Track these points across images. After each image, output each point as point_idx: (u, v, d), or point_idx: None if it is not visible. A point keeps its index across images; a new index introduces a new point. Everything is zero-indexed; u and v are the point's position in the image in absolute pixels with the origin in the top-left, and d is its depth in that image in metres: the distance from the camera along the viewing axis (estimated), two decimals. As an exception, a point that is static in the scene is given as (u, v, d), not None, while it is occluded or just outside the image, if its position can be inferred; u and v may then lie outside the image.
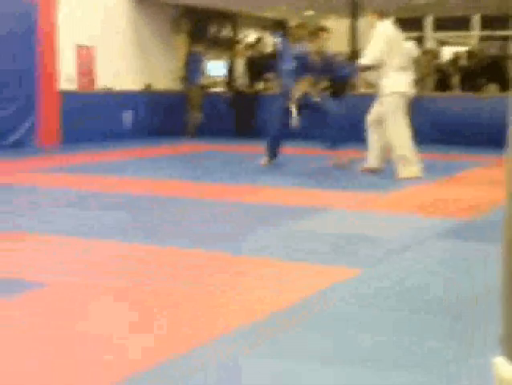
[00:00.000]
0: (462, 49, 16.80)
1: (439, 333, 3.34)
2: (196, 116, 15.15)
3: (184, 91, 15.25)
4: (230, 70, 15.66)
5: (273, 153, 9.85)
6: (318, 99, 9.57)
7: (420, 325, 3.46)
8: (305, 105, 9.49)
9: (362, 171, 9.25)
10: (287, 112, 9.45)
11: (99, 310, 3.69)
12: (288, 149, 10.40)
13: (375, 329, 3.39)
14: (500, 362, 1.86)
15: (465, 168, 9.93)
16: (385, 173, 9.01)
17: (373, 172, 9.17)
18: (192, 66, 15.18)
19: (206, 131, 15.05)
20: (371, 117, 9.19)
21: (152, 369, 2.87)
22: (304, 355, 3.02)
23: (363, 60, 9.00)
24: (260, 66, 15.44)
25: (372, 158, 9.25)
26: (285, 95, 9.59)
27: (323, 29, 10.00)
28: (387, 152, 9.12)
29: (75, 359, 2.98)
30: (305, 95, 9.49)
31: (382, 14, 9.05)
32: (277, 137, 9.82)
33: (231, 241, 5.34)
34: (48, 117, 12.68)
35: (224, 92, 15.68)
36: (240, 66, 15.58)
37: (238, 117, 15.10)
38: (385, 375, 2.82)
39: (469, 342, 3.20)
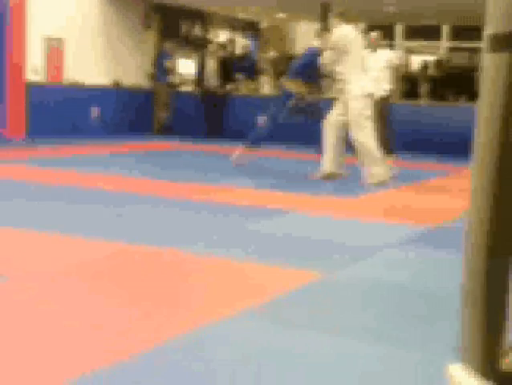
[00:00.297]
0: (431, 58, 16.94)
1: (400, 339, 3.36)
2: (162, 114, 15.13)
3: (151, 88, 15.22)
4: (201, 70, 15.64)
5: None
6: (313, 102, 9.55)
7: (380, 331, 3.47)
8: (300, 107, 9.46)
9: (318, 177, 9.04)
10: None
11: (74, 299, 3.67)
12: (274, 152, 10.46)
13: (332, 332, 3.40)
14: (456, 369, 1.88)
15: (433, 177, 10.00)
16: (351, 178, 9.03)
17: (330, 178, 9.02)
18: (160, 64, 15.15)
19: (176, 129, 15.04)
20: (330, 121, 9.04)
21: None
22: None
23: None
24: (231, 67, 15.46)
25: (328, 162, 9.08)
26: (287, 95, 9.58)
27: (327, 29, 9.91)
28: (345, 157, 9.09)
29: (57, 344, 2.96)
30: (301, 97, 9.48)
31: (342, 18, 9.07)
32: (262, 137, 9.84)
33: (192, 239, 5.32)
34: (15, 108, 12.57)
35: (194, 91, 15.67)
36: (211, 66, 15.58)
37: (207, 117, 15.09)
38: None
39: (429, 349, 3.22)
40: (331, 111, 9.03)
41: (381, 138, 9.25)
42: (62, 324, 3.30)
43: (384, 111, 10.30)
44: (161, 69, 15.12)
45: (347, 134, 8.92)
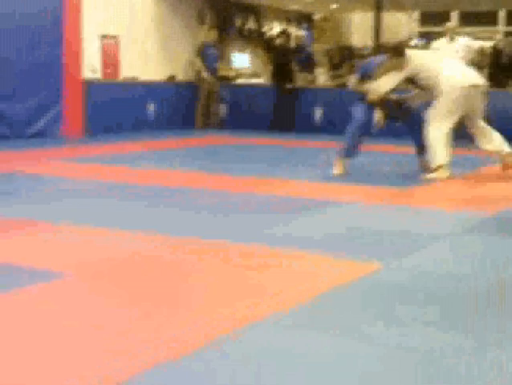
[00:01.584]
0: (488, 44, 16.69)
1: (461, 326, 3.33)
2: (212, 108, 15.01)
3: (195, 81, 15.06)
4: (277, 64, 15.37)
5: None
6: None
7: (444, 317, 3.45)
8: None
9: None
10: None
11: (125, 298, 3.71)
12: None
13: (400, 321, 3.38)
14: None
15: (491, 163, 9.85)
16: (408, 168, 8.96)
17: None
18: (205, 57, 15.02)
19: (232, 123, 14.92)
20: None
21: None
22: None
23: None
24: (286, 58, 15.34)
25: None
26: None
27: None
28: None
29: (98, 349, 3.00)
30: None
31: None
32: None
33: (253, 232, 5.34)
34: (73, 107, 12.73)
35: (251, 84, 15.59)
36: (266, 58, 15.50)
37: (278, 110, 14.79)
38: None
39: (490, 336, 3.19)
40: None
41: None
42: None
43: None
44: (206, 62, 14.98)
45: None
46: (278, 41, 16.36)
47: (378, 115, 8.53)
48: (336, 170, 8.56)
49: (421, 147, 8.64)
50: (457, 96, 8.31)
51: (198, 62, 14.94)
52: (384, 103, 8.57)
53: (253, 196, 6.93)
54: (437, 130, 8.30)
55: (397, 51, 8.52)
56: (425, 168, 8.52)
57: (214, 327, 3.29)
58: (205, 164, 9.61)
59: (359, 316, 3.49)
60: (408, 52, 8.57)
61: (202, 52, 15.02)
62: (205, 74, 14.87)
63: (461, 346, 3.10)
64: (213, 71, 15.00)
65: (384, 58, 8.74)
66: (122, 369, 2.81)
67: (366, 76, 8.62)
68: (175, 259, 4.54)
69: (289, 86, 14.64)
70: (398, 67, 8.40)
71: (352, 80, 8.67)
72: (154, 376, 2.78)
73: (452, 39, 10.62)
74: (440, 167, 8.22)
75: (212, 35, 15.55)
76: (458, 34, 10.95)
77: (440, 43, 10.69)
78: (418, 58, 8.57)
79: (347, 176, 8.32)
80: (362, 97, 8.66)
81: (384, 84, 8.44)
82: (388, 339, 3.17)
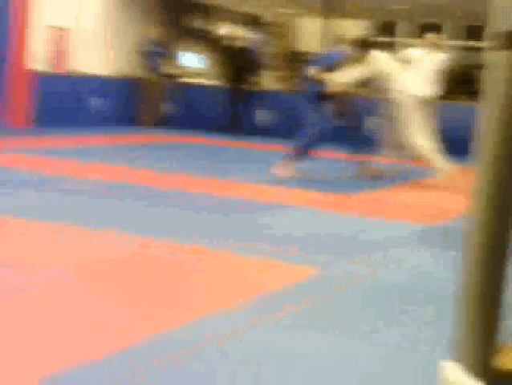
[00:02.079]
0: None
1: (400, 339, 3.38)
2: (156, 106, 14.89)
3: (137, 78, 14.92)
4: (224, 63, 15.32)
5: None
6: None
7: (378, 331, 3.49)
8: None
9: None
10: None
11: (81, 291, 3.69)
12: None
13: (330, 330, 3.42)
14: (449, 365, 1.89)
15: (434, 175, 9.98)
16: (346, 175, 9.04)
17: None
18: (148, 55, 14.90)
19: (179, 122, 14.87)
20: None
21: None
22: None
23: None
24: (234, 60, 15.32)
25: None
26: None
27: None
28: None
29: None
30: None
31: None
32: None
33: (196, 233, 5.34)
34: (18, 98, 12.56)
35: (203, 84, 15.55)
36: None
37: (230, 111, 14.75)
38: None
39: (430, 349, 3.24)
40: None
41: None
42: (61, 324, 3.31)
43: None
44: (152, 59, 14.87)
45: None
46: (226, 42, 16.35)
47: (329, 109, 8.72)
48: (284, 173, 8.62)
49: (358, 153, 8.78)
50: (413, 105, 8.76)
51: (140, 60, 14.83)
52: (341, 97, 8.69)
53: (196, 197, 6.92)
54: (423, 140, 8.73)
55: (363, 46, 8.73)
56: (364, 175, 8.67)
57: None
58: (143, 161, 9.54)
59: (293, 317, 3.51)
60: (374, 51, 8.73)
61: (146, 49, 14.91)
62: (145, 72, 14.75)
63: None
64: (156, 69, 14.89)
65: (344, 51, 8.97)
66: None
67: (327, 68, 8.73)
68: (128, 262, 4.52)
69: (242, 87, 14.63)
70: (361, 62, 8.57)
71: (312, 71, 8.69)
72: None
73: (430, 51, 10.72)
74: (444, 170, 8.75)
75: (159, 33, 15.48)
76: (439, 46, 11.10)
77: (415, 52, 10.73)
78: (382, 60, 8.85)
79: (293, 181, 8.37)
80: (315, 98, 8.73)
81: (346, 76, 8.65)
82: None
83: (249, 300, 3.78)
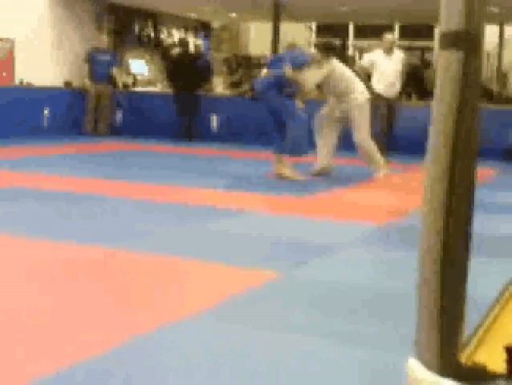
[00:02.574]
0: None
1: (351, 337, 3.39)
2: (92, 114, 14.78)
3: (81, 87, 14.81)
4: (171, 69, 15.29)
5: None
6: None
7: (331, 330, 3.50)
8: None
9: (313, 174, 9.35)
10: None
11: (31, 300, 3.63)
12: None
13: (290, 329, 3.41)
14: (413, 363, 1.90)
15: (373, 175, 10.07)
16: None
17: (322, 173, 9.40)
18: (95, 63, 14.78)
19: (129, 130, 14.84)
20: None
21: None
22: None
23: None
24: (184, 67, 15.32)
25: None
26: None
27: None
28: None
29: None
30: None
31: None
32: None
33: (148, 238, 5.31)
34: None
35: (159, 92, 15.51)
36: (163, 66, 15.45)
37: (178, 118, 14.72)
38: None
39: (378, 347, 3.26)
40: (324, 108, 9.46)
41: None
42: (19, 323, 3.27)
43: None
44: (98, 68, 14.76)
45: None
46: (176, 50, 16.32)
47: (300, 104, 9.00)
48: (286, 172, 9.00)
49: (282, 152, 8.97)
50: (367, 106, 9.21)
51: (90, 68, 14.71)
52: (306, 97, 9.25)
53: (151, 204, 6.89)
54: (369, 139, 9.23)
55: (326, 50, 9.19)
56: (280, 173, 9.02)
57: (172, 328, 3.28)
58: (97, 170, 9.47)
59: (256, 323, 3.51)
60: (333, 55, 9.27)
61: (91, 58, 14.78)
62: (87, 81, 14.62)
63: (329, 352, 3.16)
64: (104, 78, 14.77)
65: (306, 53, 9.58)
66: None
67: (297, 68, 8.95)
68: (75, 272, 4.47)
69: (193, 93, 14.60)
70: (319, 64, 8.90)
71: (288, 69, 8.82)
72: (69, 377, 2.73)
73: (389, 52, 10.89)
74: (382, 165, 9.29)
75: (106, 41, 15.40)
76: (396, 46, 11.35)
77: (376, 55, 10.92)
78: (338, 64, 9.29)
79: (248, 185, 8.41)
80: (290, 94, 8.99)
81: (312, 78, 9.01)
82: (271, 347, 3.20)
83: (206, 302, 3.77)
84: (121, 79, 15.42)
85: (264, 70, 9.34)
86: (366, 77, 10.60)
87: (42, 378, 2.73)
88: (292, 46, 10.18)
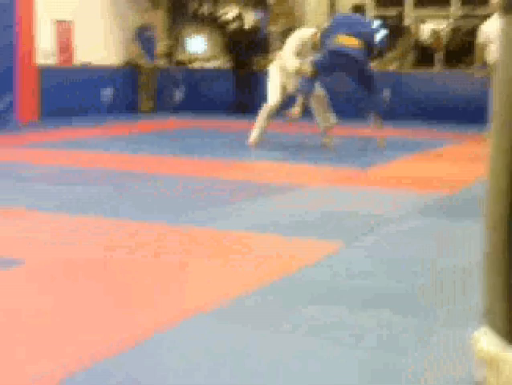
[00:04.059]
0: (442, 26, 16.80)
1: (419, 307, 3.37)
2: (148, 91, 14.85)
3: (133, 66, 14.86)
4: (231, 45, 15.30)
5: None
6: None
7: (402, 298, 3.48)
8: None
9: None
10: None
11: (77, 285, 3.69)
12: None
13: (354, 302, 3.41)
14: (482, 334, 1.88)
15: (446, 145, 9.96)
16: (364, 150, 9.04)
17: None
18: (143, 41, 14.84)
19: (190, 107, 14.89)
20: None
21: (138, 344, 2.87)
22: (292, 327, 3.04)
23: None
24: (242, 42, 15.30)
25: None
26: None
27: None
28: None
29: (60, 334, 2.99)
30: None
31: None
32: None
33: (213, 216, 5.34)
34: (27, 93, 12.59)
35: (216, 68, 15.53)
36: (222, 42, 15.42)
37: (238, 93, 14.77)
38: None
39: (450, 315, 3.24)
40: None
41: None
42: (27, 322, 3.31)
43: None
44: (146, 45, 14.81)
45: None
46: (233, 25, 16.29)
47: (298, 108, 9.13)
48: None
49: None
50: (274, 73, 9.50)
51: (135, 47, 14.78)
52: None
53: (215, 181, 6.93)
54: (268, 106, 9.45)
55: None
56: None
57: (199, 302, 3.31)
58: (165, 148, 9.56)
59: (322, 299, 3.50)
60: None
61: (139, 36, 14.84)
62: (141, 59, 14.69)
63: (413, 328, 3.14)
64: (151, 55, 14.81)
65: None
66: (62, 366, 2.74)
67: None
68: (136, 246, 4.52)
69: (247, 69, 14.60)
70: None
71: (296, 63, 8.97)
72: (93, 375, 2.66)
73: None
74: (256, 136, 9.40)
75: (163, 18, 15.44)
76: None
77: (489, 26, 10.30)
78: None
79: (304, 158, 8.41)
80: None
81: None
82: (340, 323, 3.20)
83: (280, 277, 3.78)
84: (176, 55, 15.46)
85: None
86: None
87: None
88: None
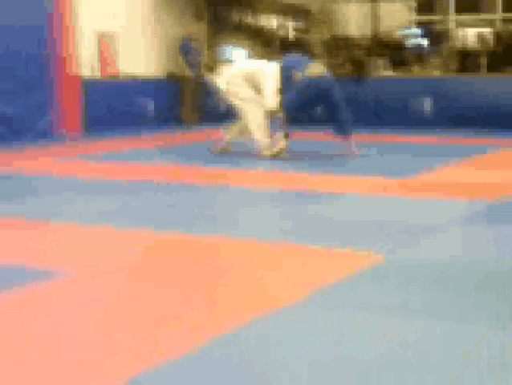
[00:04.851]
0: (486, 30, 16.64)
1: (481, 314, 3.32)
2: (193, 103, 14.87)
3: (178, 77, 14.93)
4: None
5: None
6: None
7: (458, 308, 3.43)
8: None
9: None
10: None
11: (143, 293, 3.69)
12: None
13: (407, 313, 3.37)
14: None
15: (490, 151, 9.83)
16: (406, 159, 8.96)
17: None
18: (186, 52, 14.86)
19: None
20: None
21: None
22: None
23: None
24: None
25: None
26: None
27: None
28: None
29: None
30: None
31: None
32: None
33: (251, 226, 5.34)
34: (71, 105, 12.70)
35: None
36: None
37: None
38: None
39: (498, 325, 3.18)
40: None
41: None
42: (66, 322, 3.31)
43: None
44: (187, 59, 14.85)
45: None
46: (271, 33, 16.30)
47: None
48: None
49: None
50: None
51: (180, 58, 14.82)
52: None
53: (251, 191, 6.92)
54: None
55: None
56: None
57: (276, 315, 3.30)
58: (207, 159, 9.57)
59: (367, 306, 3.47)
60: None
61: (183, 47, 14.87)
62: (185, 70, 14.71)
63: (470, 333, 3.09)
64: (196, 66, 14.86)
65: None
66: (128, 366, 2.78)
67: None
68: (186, 255, 4.53)
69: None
70: None
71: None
72: (167, 371, 2.74)
73: None
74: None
75: (201, 28, 15.48)
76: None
77: None
78: None
79: (338, 167, 8.38)
80: None
81: None
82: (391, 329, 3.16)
83: (312, 286, 3.75)
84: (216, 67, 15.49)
85: None
86: None
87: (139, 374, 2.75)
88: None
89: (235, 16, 16.81)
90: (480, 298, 3.55)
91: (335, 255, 4.47)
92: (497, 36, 15.54)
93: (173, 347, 2.94)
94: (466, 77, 14.01)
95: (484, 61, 14.60)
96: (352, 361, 2.78)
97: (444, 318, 3.27)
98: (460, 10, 18.10)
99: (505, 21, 17.93)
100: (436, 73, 14.32)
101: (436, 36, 15.39)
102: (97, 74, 13.51)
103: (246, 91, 9.42)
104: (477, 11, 18.72)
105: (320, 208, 6.02)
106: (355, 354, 2.85)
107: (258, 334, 3.10)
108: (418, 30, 15.92)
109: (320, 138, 10.77)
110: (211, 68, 15.09)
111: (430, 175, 7.81)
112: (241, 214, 5.88)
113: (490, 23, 17.67)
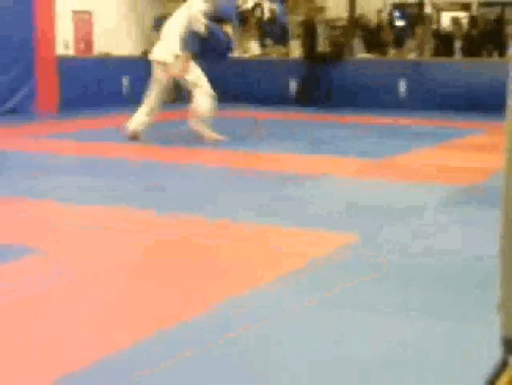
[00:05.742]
0: (462, 14, 16.69)
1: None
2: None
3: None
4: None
5: None
6: None
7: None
8: None
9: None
10: None
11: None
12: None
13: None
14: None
15: (465, 135, 9.89)
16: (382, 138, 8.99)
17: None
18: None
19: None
20: None
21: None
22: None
23: None
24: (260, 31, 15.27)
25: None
26: None
27: None
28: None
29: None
30: None
31: None
32: None
33: (231, 207, 5.34)
34: (46, 83, 12.61)
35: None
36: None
37: None
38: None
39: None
40: None
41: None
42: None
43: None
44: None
45: None
46: (252, 14, 16.26)
47: None
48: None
49: None
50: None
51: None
52: None
53: (232, 172, 6.93)
54: None
55: None
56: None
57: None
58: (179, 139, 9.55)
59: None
60: None
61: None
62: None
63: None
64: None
65: None
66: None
67: None
68: (166, 233, 4.53)
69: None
70: None
71: None
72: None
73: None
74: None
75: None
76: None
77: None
78: None
79: (318, 148, 8.38)
80: None
81: None
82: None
83: (293, 269, 3.78)
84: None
85: None
86: None
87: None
88: None
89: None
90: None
91: (312, 235, 4.49)
92: (473, 20, 15.59)
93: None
94: (441, 60, 14.05)
95: (459, 44, 14.64)
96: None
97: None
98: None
99: (481, 5, 17.99)
100: (412, 56, 14.35)
101: (413, 19, 15.42)
102: (72, 52, 13.42)
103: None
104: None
105: (296, 190, 6.03)
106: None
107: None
108: (395, 13, 15.96)
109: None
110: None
111: (406, 157, 7.84)
112: (216, 194, 5.88)
113: (466, 7, 17.73)
